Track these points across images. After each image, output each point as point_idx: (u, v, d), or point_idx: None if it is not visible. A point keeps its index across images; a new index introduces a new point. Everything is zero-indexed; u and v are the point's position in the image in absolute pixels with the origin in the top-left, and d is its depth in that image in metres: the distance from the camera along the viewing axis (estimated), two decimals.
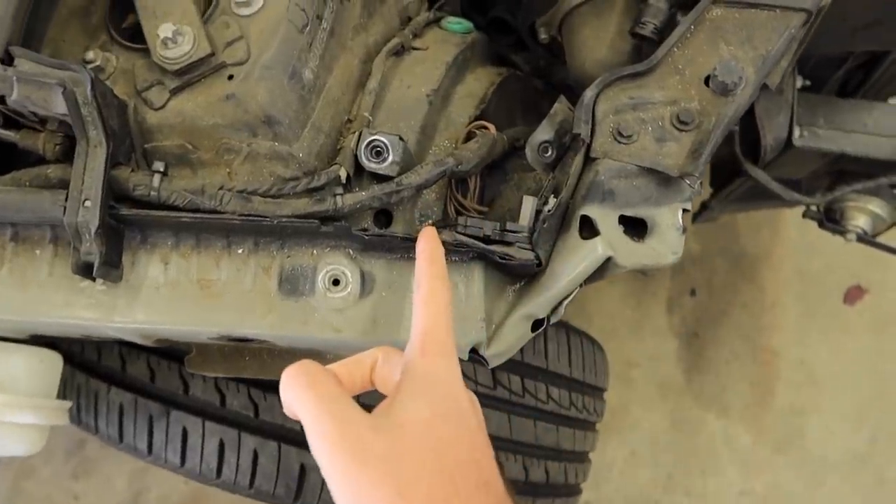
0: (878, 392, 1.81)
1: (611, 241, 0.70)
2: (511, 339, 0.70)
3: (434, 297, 0.56)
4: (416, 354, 0.53)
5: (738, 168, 1.19)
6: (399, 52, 0.82)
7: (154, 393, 0.93)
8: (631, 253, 0.71)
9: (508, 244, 0.70)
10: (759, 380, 1.83)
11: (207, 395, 0.90)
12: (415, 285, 0.58)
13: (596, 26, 0.87)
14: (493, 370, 0.95)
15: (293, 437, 0.89)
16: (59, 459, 1.81)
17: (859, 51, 1.19)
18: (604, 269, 0.72)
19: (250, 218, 0.63)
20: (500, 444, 0.96)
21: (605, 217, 0.72)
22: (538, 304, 0.69)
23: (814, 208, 1.28)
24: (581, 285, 0.76)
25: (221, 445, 0.89)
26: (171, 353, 0.92)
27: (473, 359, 0.70)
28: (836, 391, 1.81)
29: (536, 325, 0.72)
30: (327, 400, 0.48)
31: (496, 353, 0.70)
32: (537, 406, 0.99)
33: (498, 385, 0.95)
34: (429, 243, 0.61)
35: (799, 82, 1.15)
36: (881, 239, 1.30)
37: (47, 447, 1.81)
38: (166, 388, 0.92)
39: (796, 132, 1.13)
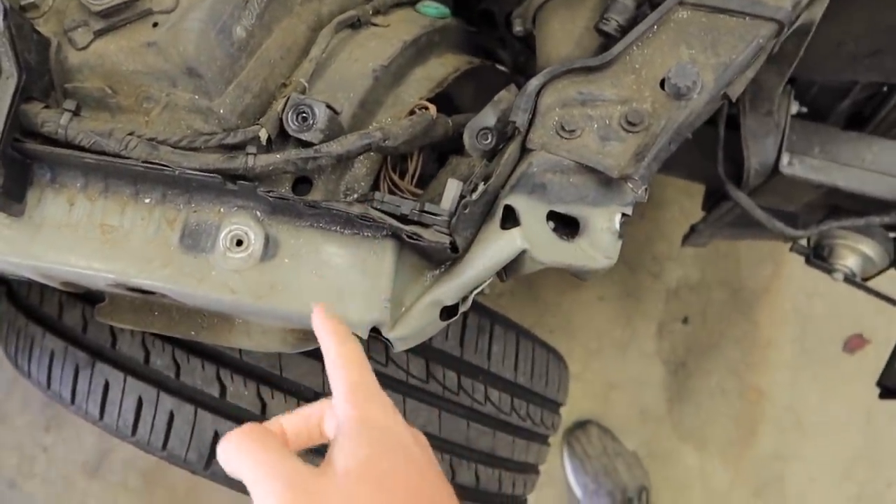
0: (867, 448, 1.72)
1: (530, 235, 0.67)
2: (418, 323, 0.68)
3: (348, 356, 0.55)
4: (347, 409, 0.52)
5: (726, 192, 1.15)
6: (355, 24, 0.81)
7: (84, 343, 0.93)
8: (552, 250, 0.68)
9: (426, 226, 0.67)
10: (744, 419, 1.76)
11: (133, 350, 0.89)
12: (325, 355, 0.56)
13: (565, 20, 0.84)
14: (427, 363, 0.92)
15: (210, 403, 0.88)
16: (34, 409, 1.83)
17: (864, 81, 1.13)
18: (521, 262, 0.69)
19: (152, 165, 0.62)
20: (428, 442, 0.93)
21: (531, 210, 0.69)
22: (446, 290, 0.67)
23: (802, 242, 1.23)
24: (503, 278, 0.73)
25: (139, 403, 0.88)
26: None
27: (375, 338, 0.68)
28: (823, 441, 1.73)
29: (448, 313, 0.69)
30: (273, 459, 0.48)
31: (401, 336, 0.68)
32: (473, 406, 0.96)
33: (431, 378, 0.92)
34: (321, 320, 0.57)
35: (795, 108, 1.10)
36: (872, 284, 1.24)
37: (24, 396, 1.84)
38: (95, 339, 0.92)
39: (785, 159, 1.08)
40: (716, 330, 1.81)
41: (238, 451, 0.49)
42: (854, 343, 1.78)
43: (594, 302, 1.80)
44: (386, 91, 0.78)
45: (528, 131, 0.71)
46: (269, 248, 0.65)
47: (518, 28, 0.93)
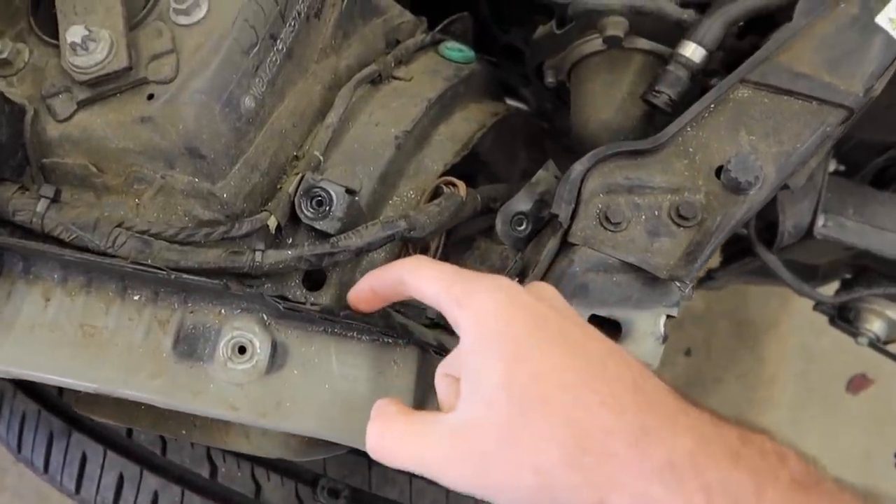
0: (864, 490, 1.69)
1: None
2: None
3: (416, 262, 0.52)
4: (455, 313, 0.47)
5: (750, 247, 1.08)
6: (376, 80, 0.72)
7: (60, 408, 0.85)
8: None
9: (454, 333, 0.60)
10: None
11: None
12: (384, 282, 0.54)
13: (607, 82, 0.76)
14: None
15: (199, 484, 0.80)
16: None
17: None
18: None
19: (144, 268, 0.53)
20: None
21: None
22: None
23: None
24: None
25: (121, 480, 0.80)
26: None
27: None
28: None
29: None
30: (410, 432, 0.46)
31: None
32: None
33: None
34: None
35: (832, 166, 1.04)
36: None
37: None
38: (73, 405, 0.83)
39: (820, 220, 1.01)
40: (719, 364, 1.76)
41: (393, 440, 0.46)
42: (858, 383, 1.74)
43: None
44: (408, 158, 0.70)
45: (570, 223, 0.63)
46: (277, 357, 0.57)
47: (550, 80, 0.84)
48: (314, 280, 0.61)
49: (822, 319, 1.74)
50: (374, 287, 0.54)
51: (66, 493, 0.85)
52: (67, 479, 0.83)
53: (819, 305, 1.18)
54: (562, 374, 0.43)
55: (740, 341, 1.77)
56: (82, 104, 0.55)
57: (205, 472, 0.80)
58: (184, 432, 0.66)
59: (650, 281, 0.64)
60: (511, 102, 1.02)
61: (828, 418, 1.73)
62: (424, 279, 0.50)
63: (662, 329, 0.66)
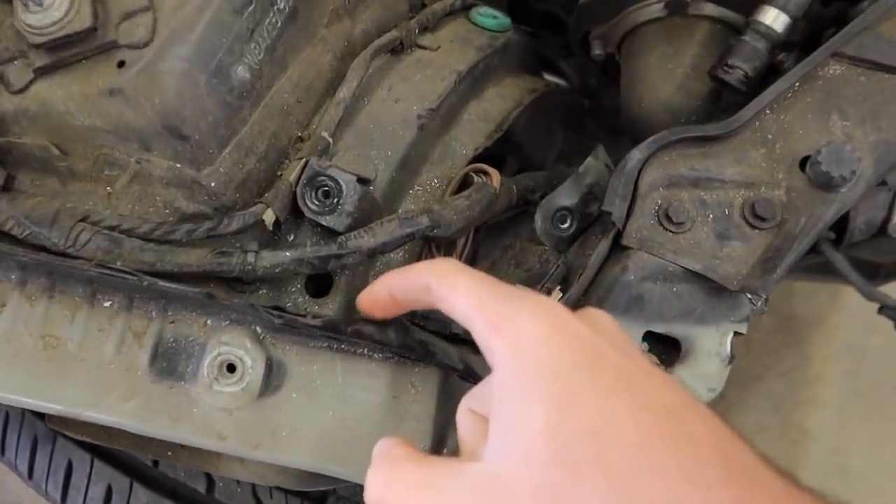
0: None
1: None
2: None
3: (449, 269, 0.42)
4: (489, 339, 0.37)
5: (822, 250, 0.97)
6: (397, 49, 0.62)
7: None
8: None
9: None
10: (784, 460, 1.60)
11: None
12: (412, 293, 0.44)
13: (665, 55, 0.65)
14: None
15: (194, 499, 0.72)
16: None
17: None
18: None
19: (111, 272, 0.44)
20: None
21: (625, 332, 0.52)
22: None
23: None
24: None
25: (109, 492, 0.73)
26: None
27: None
28: (868, 490, 1.59)
29: None
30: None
31: None
32: None
33: None
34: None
35: None
36: None
37: None
38: None
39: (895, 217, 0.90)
40: (760, 361, 1.65)
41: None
42: None
43: None
44: (433, 140, 0.60)
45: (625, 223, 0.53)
46: (272, 377, 0.48)
47: (598, 51, 0.73)
48: (319, 285, 0.52)
49: (874, 317, 1.62)
50: (393, 291, 0.45)
51: (52, 503, 0.78)
52: (52, 487, 0.76)
53: (885, 309, 1.06)
54: (624, 428, 0.33)
55: (784, 337, 1.65)
56: (40, 72, 0.45)
57: (201, 488, 0.72)
58: (170, 454, 0.58)
59: (717, 292, 0.54)
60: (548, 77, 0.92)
61: (877, 422, 1.61)
62: (455, 291, 0.40)
63: (729, 348, 0.56)
